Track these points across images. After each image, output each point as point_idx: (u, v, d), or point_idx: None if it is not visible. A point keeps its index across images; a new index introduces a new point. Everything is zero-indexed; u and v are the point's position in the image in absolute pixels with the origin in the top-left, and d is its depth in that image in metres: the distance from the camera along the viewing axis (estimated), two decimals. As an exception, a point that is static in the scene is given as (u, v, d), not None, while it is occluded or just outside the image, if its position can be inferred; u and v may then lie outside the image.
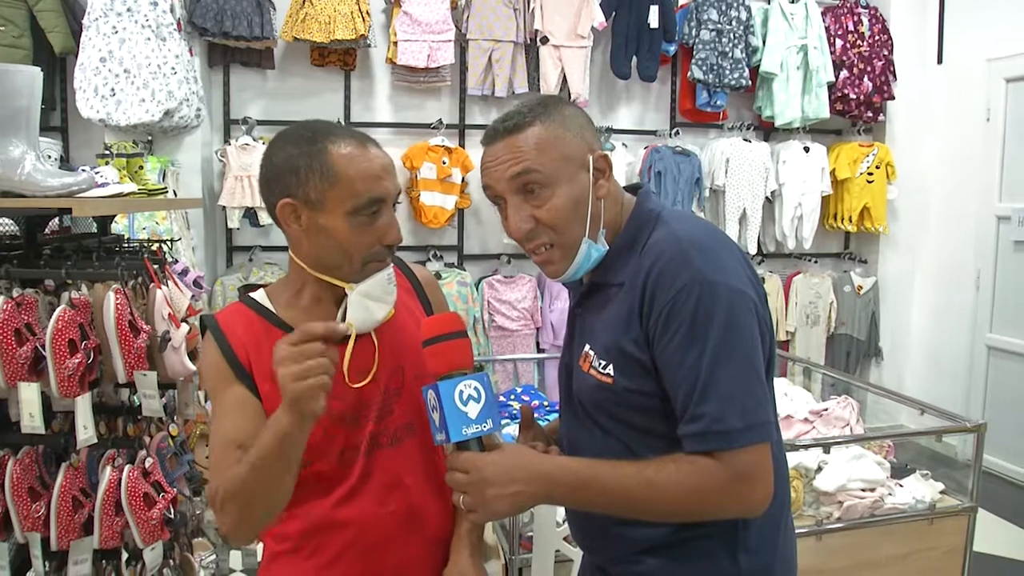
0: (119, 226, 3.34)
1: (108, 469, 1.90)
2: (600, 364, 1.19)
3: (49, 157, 2.19)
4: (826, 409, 2.87)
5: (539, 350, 4.52)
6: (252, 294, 1.36)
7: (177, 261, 2.49)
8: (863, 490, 2.49)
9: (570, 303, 1.36)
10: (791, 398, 3.02)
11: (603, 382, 1.19)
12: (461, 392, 1.12)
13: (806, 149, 4.78)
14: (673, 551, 1.19)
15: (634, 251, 1.19)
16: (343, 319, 1.28)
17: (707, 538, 1.17)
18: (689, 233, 1.15)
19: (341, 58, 4.28)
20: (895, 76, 4.86)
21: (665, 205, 1.27)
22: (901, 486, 2.58)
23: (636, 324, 1.14)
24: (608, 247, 1.22)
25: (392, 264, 1.33)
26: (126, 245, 2.44)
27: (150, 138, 3.79)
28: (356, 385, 1.29)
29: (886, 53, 4.82)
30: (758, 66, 4.64)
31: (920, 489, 2.57)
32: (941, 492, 2.61)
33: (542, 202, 1.17)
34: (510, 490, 1.11)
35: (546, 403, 3.18)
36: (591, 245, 1.19)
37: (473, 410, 1.12)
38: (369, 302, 1.28)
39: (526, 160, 1.15)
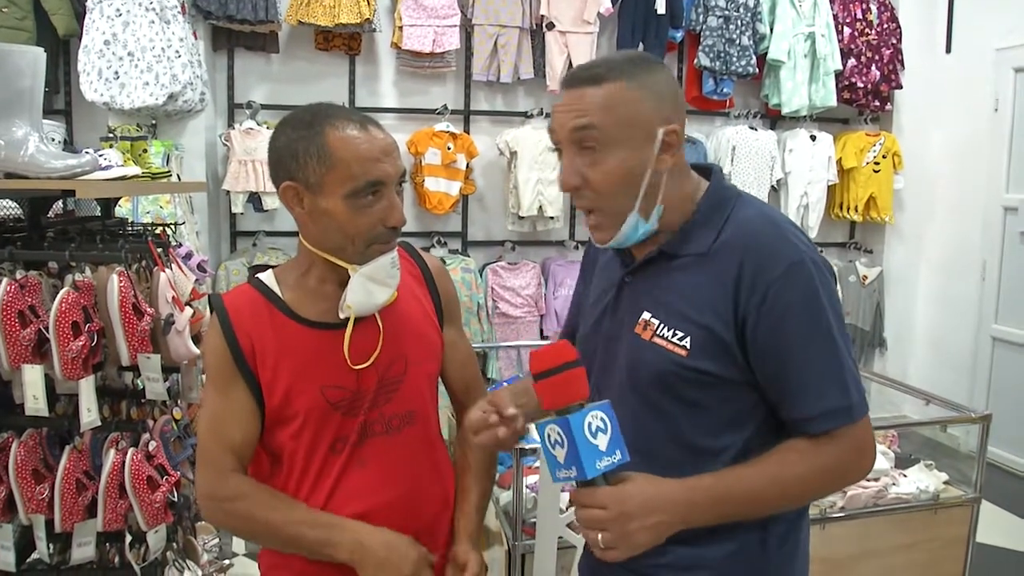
0: (123, 210, 3.33)
1: (112, 452, 1.90)
2: (671, 334, 1.14)
3: (53, 140, 2.18)
4: (830, 398, 2.85)
5: (543, 337, 4.51)
6: (261, 275, 1.36)
7: (181, 245, 2.48)
8: (867, 480, 2.48)
9: (616, 272, 1.27)
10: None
11: (673, 352, 1.13)
12: (590, 424, 1.03)
13: (813, 138, 4.75)
14: (700, 537, 1.14)
15: (711, 225, 1.15)
16: (344, 300, 1.28)
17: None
18: (778, 215, 1.18)
19: (346, 42, 4.25)
20: (903, 65, 4.82)
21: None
22: (905, 476, 2.58)
23: (729, 304, 1.10)
24: (657, 226, 1.17)
25: (397, 248, 1.33)
26: (130, 228, 2.43)
27: (154, 122, 3.78)
28: (357, 367, 1.29)
29: (894, 42, 4.78)
30: (765, 53, 4.61)
31: (924, 479, 2.56)
32: (945, 483, 2.61)
33: (595, 162, 1.12)
34: (651, 521, 1.07)
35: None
36: (639, 220, 1.14)
37: (603, 442, 1.04)
38: (371, 285, 1.28)
39: (590, 115, 1.10)
